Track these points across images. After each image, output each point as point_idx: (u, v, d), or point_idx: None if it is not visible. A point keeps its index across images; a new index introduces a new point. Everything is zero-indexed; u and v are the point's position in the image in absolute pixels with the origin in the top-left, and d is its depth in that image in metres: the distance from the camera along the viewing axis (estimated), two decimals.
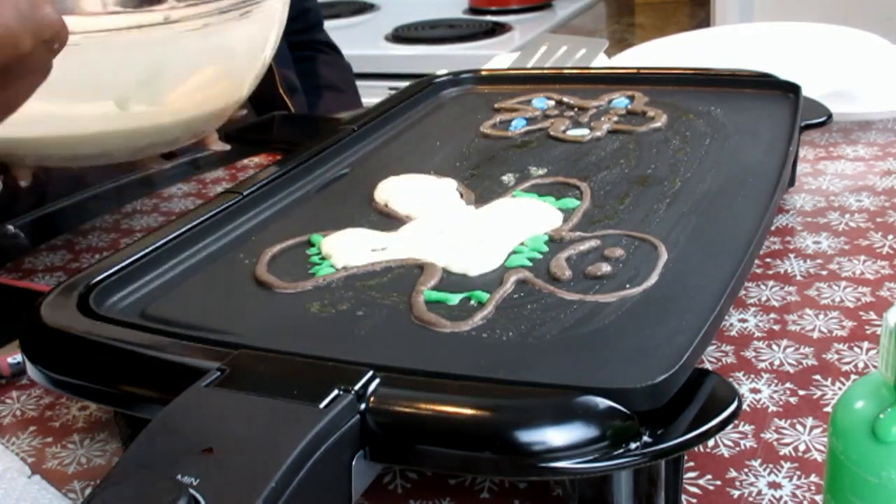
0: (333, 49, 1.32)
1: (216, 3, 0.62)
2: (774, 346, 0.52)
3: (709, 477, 0.43)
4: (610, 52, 1.05)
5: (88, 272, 0.50)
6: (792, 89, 0.71)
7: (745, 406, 0.47)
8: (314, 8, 1.29)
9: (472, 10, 2.19)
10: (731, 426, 0.40)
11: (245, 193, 0.59)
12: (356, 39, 1.90)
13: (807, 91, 0.71)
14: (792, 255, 0.62)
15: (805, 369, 0.50)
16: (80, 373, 0.44)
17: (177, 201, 0.82)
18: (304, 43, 1.26)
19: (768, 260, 0.61)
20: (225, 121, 0.71)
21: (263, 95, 1.09)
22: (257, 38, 0.68)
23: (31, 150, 0.65)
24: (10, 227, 0.75)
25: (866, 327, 0.53)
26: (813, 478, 0.43)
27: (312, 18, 1.28)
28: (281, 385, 0.38)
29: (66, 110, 0.62)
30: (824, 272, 0.59)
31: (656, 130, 0.68)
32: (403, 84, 0.85)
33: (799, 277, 0.59)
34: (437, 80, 0.81)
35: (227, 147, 0.76)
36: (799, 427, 0.46)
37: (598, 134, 0.68)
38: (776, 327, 0.54)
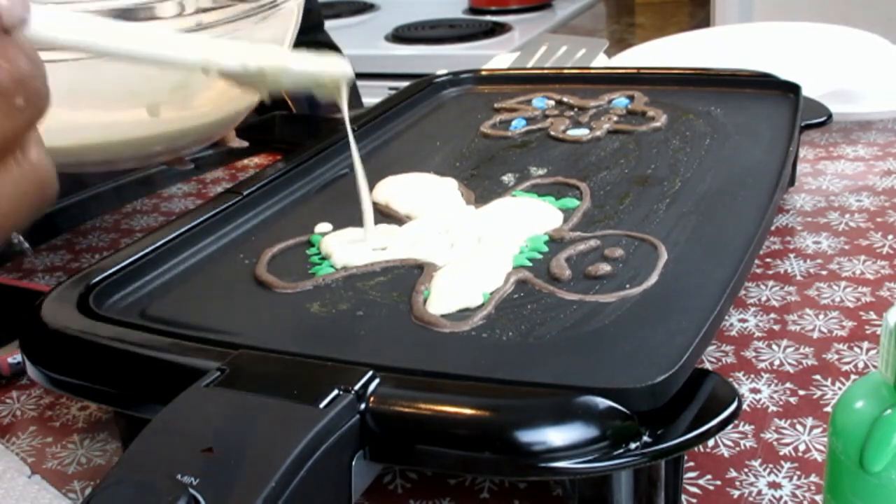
0: (335, 49, 1.32)
1: (242, 5, 0.63)
2: (774, 346, 0.52)
3: (709, 477, 0.43)
4: (610, 52, 1.05)
5: (88, 272, 0.50)
6: (792, 89, 0.71)
7: (745, 406, 0.47)
8: (315, 9, 1.29)
9: (472, 10, 2.19)
10: (731, 426, 0.40)
11: (245, 193, 0.59)
12: (356, 39, 1.90)
13: (807, 91, 0.71)
14: (792, 255, 0.62)
15: (805, 369, 0.50)
16: (80, 373, 0.44)
17: (177, 201, 0.82)
18: (305, 43, 1.25)
19: (768, 260, 0.61)
20: (241, 120, 0.72)
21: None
22: (277, 37, 0.69)
23: (67, 158, 0.66)
24: (13, 235, 0.75)
25: (866, 327, 0.53)
26: (813, 478, 0.43)
27: (314, 19, 1.28)
28: (281, 385, 0.38)
29: (100, 119, 0.63)
30: (824, 272, 0.59)
31: (656, 130, 0.68)
32: (403, 84, 0.85)
33: (799, 277, 0.59)
34: (437, 80, 0.81)
35: (245, 144, 0.77)
36: (799, 427, 0.46)
37: (598, 134, 0.68)
38: (776, 327, 0.54)
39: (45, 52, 0.57)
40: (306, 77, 0.50)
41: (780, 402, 0.48)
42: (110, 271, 0.50)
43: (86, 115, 0.62)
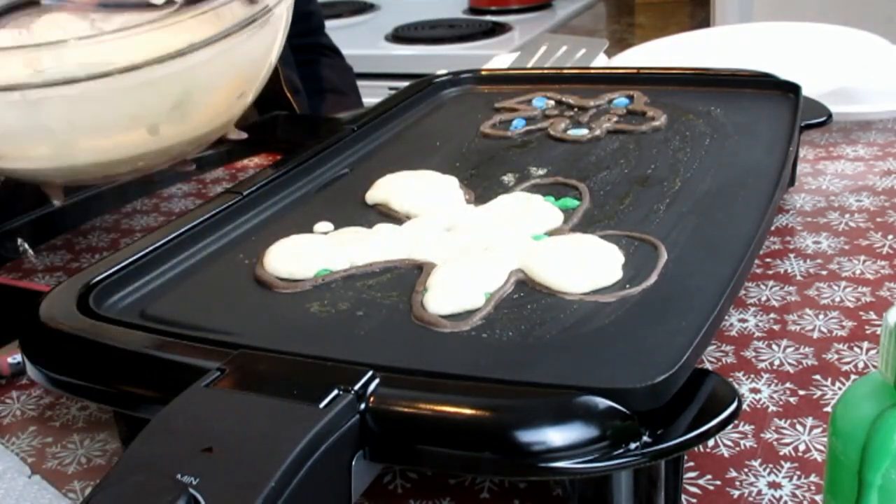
0: (335, 52, 1.32)
1: (230, 18, 0.63)
2: (774, 346, 0.52)
3: (709, 477, 0.43)
4: (610, 52, 1.05)
5: (88, 272, 0.50)
6: (792, 89, 0.71)
7: (745, 406, 0.47)
8: (316, 11, 1.29)
9: (472, 10, 2.19)
10: (731, 426, 0.40)
11: (245, 193, 0.59)
12: (356, 39, 1.90)
13: (807, 91, 0.71)
14: (792, 255, 0.62)
15: (805, 369, 0.50)
16: (80, 373, 0.44)
17: (177, 201, 0.82)
18: (306, 46, 1.26)
19: (768, 260, 0.61)
20: (237, 120, 0.73)
21: (268, 95, 1.09)
22: (268, 43, 0.70)
23: (66, 177, 0.67)
24: (20, 241, 0.75)
25: (866, 327, 0.53)
26: (813, 478, 0.43)
27: (315, 22, 1.28)
28: (281, 385, 0.38)
29: (100, 143, 0.64)
30: (824, 272, 0.59)
31: (656, 130, 0.68)
32: (403, 84, 0.85)
33: (799, 277, 0.59)
34: (437, 80, 0.81)
35: (244, 135, 0.77)
36: (799, 427, 0.46)
37: (598, 134, 0.68)
38: (776, 327, 0.54)
39: (41, 89, 0.58)
40: None
41: (780, 402, 0.48)
42: (110, 271, 0.50)
43: (88, 140, 0.63)
